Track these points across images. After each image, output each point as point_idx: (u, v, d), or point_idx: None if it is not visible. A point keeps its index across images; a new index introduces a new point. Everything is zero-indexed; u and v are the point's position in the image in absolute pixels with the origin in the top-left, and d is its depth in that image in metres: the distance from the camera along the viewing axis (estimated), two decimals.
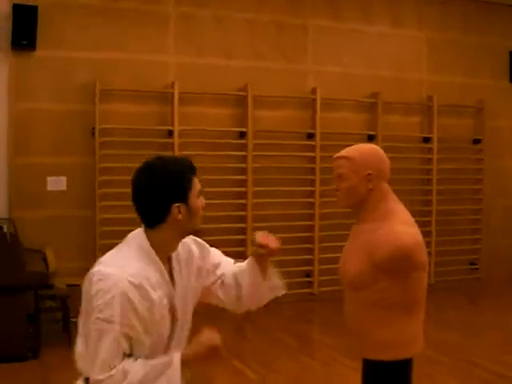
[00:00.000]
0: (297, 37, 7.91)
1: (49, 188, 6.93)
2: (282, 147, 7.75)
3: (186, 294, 2.11)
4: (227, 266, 2.29)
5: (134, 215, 7.64)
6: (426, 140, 8.67)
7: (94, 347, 1.90)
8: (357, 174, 2.45)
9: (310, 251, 7.86)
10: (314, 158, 7.91)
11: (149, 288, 1.94)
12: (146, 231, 2.07)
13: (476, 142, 9.02)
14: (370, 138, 8.11)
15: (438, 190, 8.62)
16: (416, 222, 7.67)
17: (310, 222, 7.85)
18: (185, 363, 1.92)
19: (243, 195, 7.56)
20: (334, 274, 6.60)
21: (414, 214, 8.16)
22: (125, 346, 1.91)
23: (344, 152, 2.55)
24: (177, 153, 7.20)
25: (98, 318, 1.90)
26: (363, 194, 2.45)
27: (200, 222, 2.07)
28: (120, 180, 6.99)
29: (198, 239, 2.24)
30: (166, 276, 2.04)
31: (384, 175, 2.50)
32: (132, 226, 7.20)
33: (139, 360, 1.93)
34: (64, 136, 6.93)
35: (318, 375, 5.52)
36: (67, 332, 6.05)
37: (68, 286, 6.43)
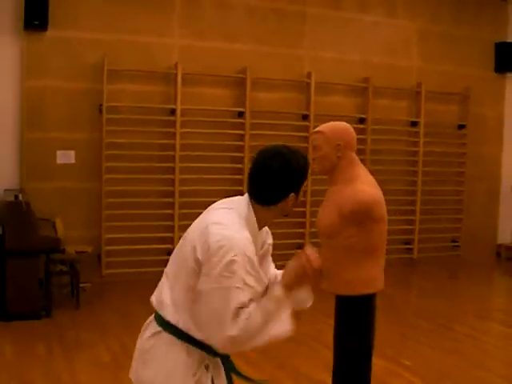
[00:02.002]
0: (295, 23, 8.35)
1: (58, 161, 7.36)
2: (278, 127, 8.21)
3: None
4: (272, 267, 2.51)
5: (138, 188, 8.18)
6: (414, 124, 9.15)
7: (222, 304, 2.06)
8: (328, 145, 2.95)
9: (302, 225, 8.36)
10: (307, 138, 8.37)
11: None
12: (253, 205, 2.26)
13: (460, 127, 9.51)
14: (361, 121, 8.60)
15: (424, 172, 9.13)
16: (401, 200, 8.30)
17: (302, 198, 8.30)
18: (286, 288, 2.19)
19: (240, 171, 8.02)
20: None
21: (399, 193, 8.72)
22: (246, 298, 2.09)
23: (318, 128, 3.09)
24: (178, 130, 7.65)
25: (222, 276, 2.06)
26: (334, 161, 2.95)
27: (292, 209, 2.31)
28: (125, 154, 7.46)
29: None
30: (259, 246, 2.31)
31: (351, 146, 3.00)
32: (136, 197, 7.70)
33: (253, 306, 2.12)
34: (73, 112, 7.34)
35: (302, 332, 6.07)
36: (76, 294, 6.54)
37: (76, 252, 6.91)
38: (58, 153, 7.36)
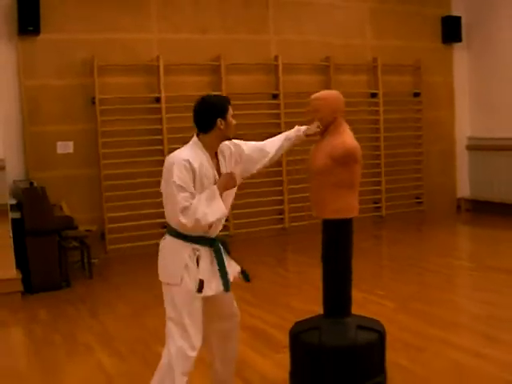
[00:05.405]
0: (260, 11, 9.24)
1: (58, 151, 8.14)
2: (252, 106, 9.09)
3: None
4: (246, 145, 3.65)
5: (132, 170, 9.24)
6: (373, 95, 10.14)
7: (173, 200, 3.21)
8: (327, 108, 3.82)
9: (280, 193, 9.32)
10: (278, 114, 9.31)
11: (196, 165, 3.28)
12: (199, 136, 3.39)
13: (416, 95, 10.51)
14: None
15: (385, 137, 10.12)
16: (368, 164, 9.52)
17: (279, 168, 9.24)
18: (219, 189, 3.32)
19: None
20: (302, 211, 8.12)
21: (365, 157, 9.80)
22: (186, 199, 3.21)
23: (318, 95, 3.92)
24: (164, 116, 8.52)
25: (172, 181, 3.21)
26: (330, 121, 3.83)
27: (232, 133, 3.46)
28: (119, 141, 8.31)
29: (236, 141, 3.60)
30: (211, 162, 3.38)
31: (342, 109, 3.87)
32: (131, 179, 8.68)
33: (195, 201, 3.24)
34: (69, 106, 8.12)
35: (290, 280, 7.19)
36: (88, 266, 7.39)
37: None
38: (58, 144, 8.12)
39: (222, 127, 3.35)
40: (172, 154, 3.35)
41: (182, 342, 3.33)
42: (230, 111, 3.41)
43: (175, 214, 3.23)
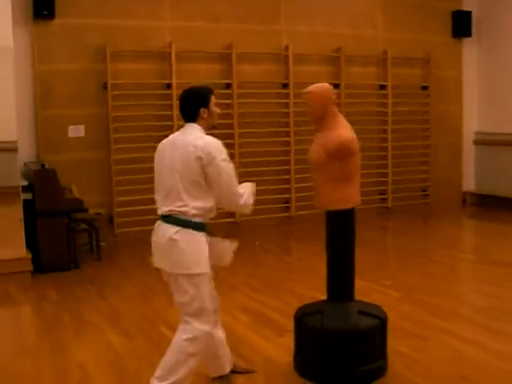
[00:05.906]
0: (272, 1, 9.31)
1: (70, 135, 8.24)
2: (262, 95, 9.20)
3: None
4: None
5: (142, 155, 9.37)
6: (382, 87, 10.18)
7: (230, 180, 3.41)
8: (318, 101, 3.89)
9: (288, 181, 9.42)
10: (288, 104, 9.38)
11: None
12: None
13: (424, 88, 10.56)
14: (335, 87, 9.59)
15: (393, 130, 10.18)
16: (374, 156, 9.64)
17: (287, 157, 9.34)
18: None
19: (231, 136, 8.98)
20: (308, 200, 8.23)
21: (373, 149, 9.94)
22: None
23: (308, 88, 4.00)
24: (174, 102, 8.60)
25: (223, 160, 3.41)
26: (321, 113, 3.88)
27: (216, 121, 3.62)
28: (129, 126, 8.40)
29: None
30: None
31: (332, 101, 3.92)
32: (141, 163, 8.76)
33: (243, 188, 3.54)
34: (81, 91, 8.22)
35: (294, 266, 7.35)
36: (97, 248, 7.51)
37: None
38: (70, 127, 8.22)
39: (205, 116, 3.51)
40: (199, 141, 3.42)
41: (207, 327, 3.49)
42: (213, 100, 3.56)
43: (234, 195, 3.45)
